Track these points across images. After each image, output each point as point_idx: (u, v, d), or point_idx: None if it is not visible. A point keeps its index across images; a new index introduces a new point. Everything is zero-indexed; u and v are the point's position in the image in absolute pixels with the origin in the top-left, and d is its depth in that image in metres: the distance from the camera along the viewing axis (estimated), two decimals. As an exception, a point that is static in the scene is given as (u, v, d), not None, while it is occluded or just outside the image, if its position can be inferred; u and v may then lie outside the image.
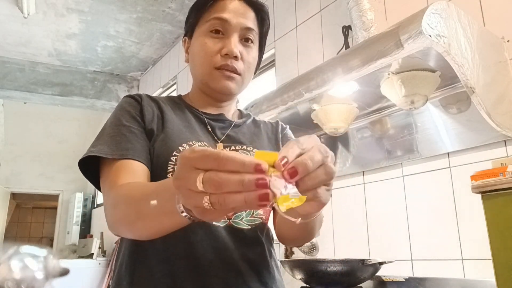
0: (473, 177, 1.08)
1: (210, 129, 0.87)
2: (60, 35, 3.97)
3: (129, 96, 0.86)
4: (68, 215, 6.23)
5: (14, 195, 6.99)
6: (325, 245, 1.97)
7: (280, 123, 1.00)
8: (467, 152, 1.46)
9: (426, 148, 1.58)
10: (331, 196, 0.55)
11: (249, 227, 0.79)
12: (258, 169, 0.42)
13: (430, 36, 1.02)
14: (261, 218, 0.83)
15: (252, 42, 0.87)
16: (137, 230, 0.64)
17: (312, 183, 0.48)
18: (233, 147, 0.86)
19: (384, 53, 1.14)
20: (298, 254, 1.99)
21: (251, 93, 2.96)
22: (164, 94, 4.30)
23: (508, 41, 1.38)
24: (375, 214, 1.78)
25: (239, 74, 0.84)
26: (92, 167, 0.79)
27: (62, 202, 6.57)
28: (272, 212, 0.87)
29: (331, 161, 0.50)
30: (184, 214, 0.50)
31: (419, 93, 1.34)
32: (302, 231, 0.78)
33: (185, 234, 0.72)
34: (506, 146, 1.35)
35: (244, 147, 0.87)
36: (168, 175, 0.75)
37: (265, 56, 2.68)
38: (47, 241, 8.02)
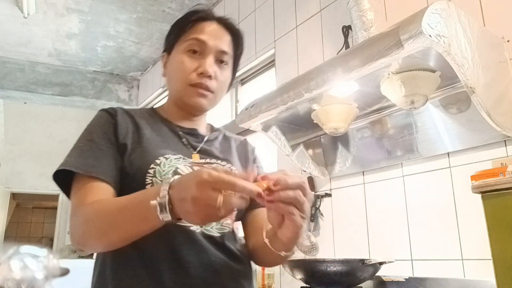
0: (473, 177, 1.08)
1: (185, 142, 0.93)
2: (60, 35, 3.97)
3: (104, 110, 0.90)
4: (68, 215, 6.22)
5: (14, 195, 6.98)
6: (325, 245, 1.97)
7: (248, 142, 1.11)
8: (467, 152, 1.46)
9: (426, 148, 1.58)
10: (306, 223, 0.68)
11: (219, 234, 0.86)
12: (259, 195, 0.60)
13: (430, 36, 1.02)
14: (229, 227, 0.90)
15: (226, 63, 0.94)
16: (109, 240, 0.73)
17: (288, 196, 0.63)
18: (208, 160, 0.92)
19: (384, 53, 1.14)
20: (298, 254, 1.99)
21: (251, 93, 2.96)
22: (164, 94, 4.31)
23: (508, 41, 1.38)
24: (375, 214, 1.78)
25: (212, 92, 0.91)
26: (66, 179, 0.84)
27: (62, 202, 6.56)
28: (243, 231, 0.98)
29: (309, 193, 0.64)
30: (167, 218, 0.62)
31: (419, 93, 1.34)
32: (281, 259, 0.84)
33: (167, 238, 0.78)
34: (506, 146, 1.35)
35: (219, 161, 0.94)
36: (146, 187, 0.80)
37: (265, 56, 2.68)
38: (47, 241, 8.02)
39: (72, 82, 4.63)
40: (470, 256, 1.41)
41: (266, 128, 1.84)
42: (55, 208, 6.71)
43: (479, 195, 0.95)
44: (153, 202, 0.62)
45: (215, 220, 0.72)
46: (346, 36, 1.86)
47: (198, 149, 0.93)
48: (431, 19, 1.04)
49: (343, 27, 1.87)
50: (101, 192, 0.78)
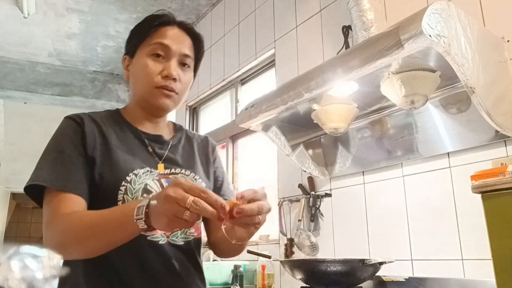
0: (473, 177, 1.08)
1: (150, 150, 0.99)
2: (60, 35, 3.97)
3: (71, 118, 0.93)
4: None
5: (14, 195, 6.98)
6: (325, 245, 1.97)
7: (209, 140, 1.16)
8: (467, 152, 1.46)
9: (426, 148, 1.58)
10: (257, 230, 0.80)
11: (183, 243, 0.96)
12: (222, 207, 0.70)
13: (430, 36, 1.02)
14: (193, 235, 0.99)
15: (188, 66, 1.00)
16: (88, 248, 0.79)
17: (248, 222, 0.75)
18: (173, 170, 0.98)
19: (384, 53, 1.14)
20: (298, 254, 1.99)
21: (251, 93, 2.96)
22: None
23: (508, 41, 1.38)
24: (375, 214, 1.78)
25: (176, 93, 0.97)
26: (36, 189, 0.87)
27: (62, 202, 6.56)
28: (205, 230, 1.09)
29: (265, 212, 0.75)
30: (142, 226, 0.72)
31: (419, 93, 1.34)
32: (235, 249, 1.02)
33: (137, 250, 0.87)
34: (506, 146, 1.35)
35: (183, 171, 1.00)
36: (118, 203, 0.86)
37: (265, 56, 2.68)
38: (47, 241, 8.01)
39: (72, 82, 4.63)
40: (470, 256, 1.41)
41: (266, 128, 1.84)
42: (55, 208, 6.70)
43: (479, 195, 0.95)
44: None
45: (181, 228, 0.89)
46: (346, 36, 1.86)
47: (163, 158, 0.99)
48: (431, 19, 1.04)
49: (343, 27, 1.87)
50: (75, 204, 0.83)
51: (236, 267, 2.21)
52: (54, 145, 0.89)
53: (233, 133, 2.98)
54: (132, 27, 1.03)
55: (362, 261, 1.38)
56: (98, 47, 4.20)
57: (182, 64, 0.98)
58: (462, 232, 1.44)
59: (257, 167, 2.81)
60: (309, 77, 1.45)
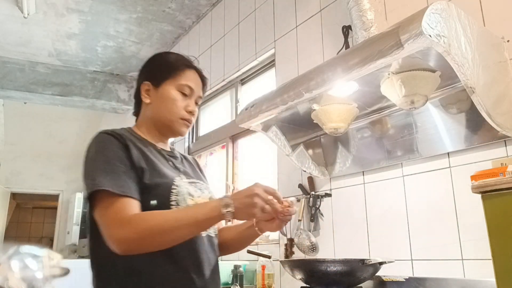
0: (473, 177, 1.08)
1: (171, 164, 1.15)
2: (60, 35, 3.97)
3: (108, 134, 1.04)
4: (68, 215, 6.23)
5: (14, 195, 6.98)
6: (325, 245, 1.97)
7: (196, 160, 1.35)
8: (467, 152, 1.46)
9: (426, 148, 1.58)
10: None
11: (214, 235, 1.16)
12: (284, 206, 1.03)
13: (430, 36, 1.02)
14: (216, 229, 1.19)
15: (198, 104, 1.21)
16: (171, 238, 0.94)
17: (286, 219, 1.08)
18: (192, 180, 1.15)
19: (384, 53, 1.14)
20: (298, 254, 1.99)
21: (251, 93, 2.96)
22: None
23: (508, 41, 1.38)
24: (375, 214, 1.78)
25: (191, 124, 1.19)
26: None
27: (62, 202, 6.56)
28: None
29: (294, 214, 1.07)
30: (229, 217, 0.94)
31: (419, 93, 1.34)
32: (243, 245, 1.26)
33: (189, 243, 1.01)
34: (506, 146, 1.35)
35: (197, 180, 1.18)
36: (171, 203, 1.02)
37: (265, 56, 2.68)
38: (47, 241, 8.02)
39: (72, 82, 4.63)
40: (470, 256, 1.41)
41: (266, 128, 1.84)
42: (55, 208, 6.70)
43: (479, 195, 0.94)
44: (224, 205, 0.95)
45: (258, 218, 1.10)
46: (346, 36, 1.86)
47: (180, 170, 1.16)
48: (431, 19, 1.04)
49: (343, 27, 1.87)
50: (136, 206, 0.96)
51: (236, 267, 2.21)
52: (103, 157, 0.99)
53: (233, 133, 2.98)
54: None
55: (362, 261, 1.38)
56: (98, 47, 4.20)
57: (196, 103, 1.20)
58: (462, 232, 1.44)
59: (257, 167, 2.81)
60: (309, 77, 1.45)
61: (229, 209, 0.94)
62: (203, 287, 1.03)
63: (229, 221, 1.01)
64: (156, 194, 1.00)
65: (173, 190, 1.03)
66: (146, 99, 1.16)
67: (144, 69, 1.21)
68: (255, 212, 0.94)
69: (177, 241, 0.96)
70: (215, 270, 1.10)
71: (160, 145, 1.17)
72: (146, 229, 0.91)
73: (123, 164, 0.99)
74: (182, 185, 1.07)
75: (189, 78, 1.16)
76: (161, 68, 1.17)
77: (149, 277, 0.98)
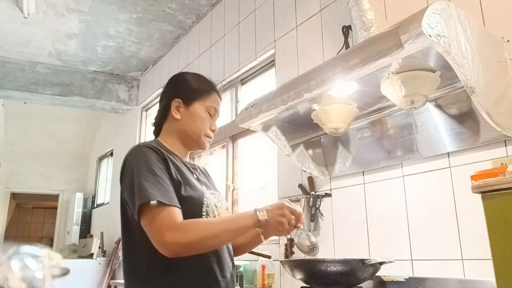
0: (473, 177, 1.08)
1: (196, 177, 1.25)
2: (60, 35, 3.97)
3: (148, 147, 1.15)
4: (68, 215, 6.23)
5: (14, 195, 6.99)
6: (325, 245, 1.97)
7: (205, 169, 1.42)
8: (467, 152, 1.46)
9: (426, 148, 1.58)
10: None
11: (231, 244, 1.27)
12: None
13: (430, 36, 1.02)
14: None
15: None
16: (220, 241, 1.10)
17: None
18: (212, 191, 1.26)
19: (384, 53, 1.14)
20: (298, 254, 1.99)
21: (251, 93, 2.96)
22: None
23: (508, 41, 1.38)
24: (375, 214, 1.78)
25: (211, 140, 1.32)
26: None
27: (62, 202, 6.56)
28: None
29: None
30: (262, 225, 1.09)
31: (419, 93, 1.34)
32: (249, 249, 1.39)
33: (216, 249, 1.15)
34: (506, 146, 1.35)
35: (215, 191, 1.29)
36: (202, 213, 1.14)
37: (265, 56, 2.68)
38: (47, 241, 8.02)
39: (72, 82, 4.63)
40: (470, 256, 1.41)
41: (266, 128, 1.84)
42: (55, 208, 6.71)
43: (479, 195, 0.95)
44: (261, 216, 1.08)
45: (281, 235, 1.18)
46: (346, 36, 1.86)
47: (203, 182, 1.27)
48: (431, 19, 1.04)
49: (343, 27, 1.87)
50: (180, 215, 1.06)
51: (236, 267, 2.21)
52: (148, 170, 1.09)
53: (233, 133, 2.98)
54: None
55: (362, 261, 1.38)
56: (98, 47, 4.20)
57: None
58: (462, 232, 1.44)
59: (257, 167, 2.81)
60: (309, 77, 1.45)
61: (264, 222, 1.08)
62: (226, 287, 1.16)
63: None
64: (190, 205, 1.12)
65: (205, 202, 1.17)
66: (176, 115, 1.26)
67: (175, 86, 1.31)
68: (281, 230, 1.10)
69: (218, 247, 1.12)
70: (233, 274, 1.21)
71: (183, 158, 1.28)
72: (195, 235, 1.03)
73: (165, 176, 1.11)
74: (209, 197, 1.20)
75: (214, 101, 1.30)
76: (192, 89, 1.28)
77: (186, 277, 1.10)
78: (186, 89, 1.28)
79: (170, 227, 1.01)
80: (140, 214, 1.05)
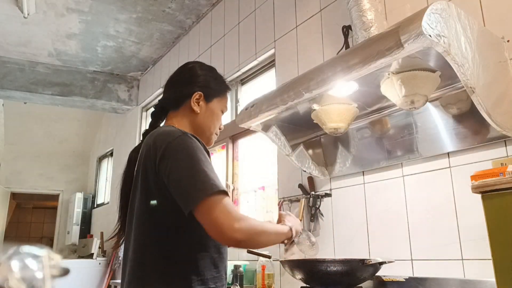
0: (473, 177, 1.08)
1: None
2: (60, 35, 3.98)
3: (195, 137, 1.10)
4: (68, 215, 6.23)
5: (14, 195, 6.99)
6: (325, 245, 1.97)
7: None
8: (467, 152, 1.46)
9: (426, 148, 1.58)
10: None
11: None
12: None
13: (430, 36, 1.02)
14: None
15: None
16: (263, 244, 1.12)
17: None
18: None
19: (384, 53, 1.14)
20: (298, 254, 1.99)
21: (251, 93, 2.96)
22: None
23: (508, 41, 1.38)
24: (375, 214, 1.78)
25: None
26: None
27: (62, 202, 6.56)
28: None
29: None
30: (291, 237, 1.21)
31: (419, 93, 1.34)
32: None
33: (226, 249, 1.19)
34: (506, 146, 1.35)
35: None
36: None
37: (265, 56, 2.68)
38: (47, 241, 8.02)
39: (72, 82, 4.63)
40: (470, 256, 1.41)
41: (266, 128, 1.84)
42: (55, 208, 6.71)
43: (479, 195, 0.95)
44: (294, 236, 1.22)
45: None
46: (346, 36, 1.86)
47: None
48: (431, 19, 1.04)
49: (343, 27, 1.87)
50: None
51: (236, 267, 2.21)
52: (203, 158, 1.06)
53: (233, 133, 2.98)
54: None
55: (362, 261, 1.38)
56: (98, 47, 4.20)
57: None
58: (462, 232, 1.44)
59: (257, 167, 2.81)
60: (309, 77, 1.45)
61: (294, 234, 1.21)
62: (225, 284, 1.20)
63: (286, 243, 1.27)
64: None
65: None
66: (195, 107, 1.24)
67: (197, 78, 1.27)
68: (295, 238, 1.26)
69: (265, 246, 1.14)
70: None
71: None
72: (258, 229, 1.07)
73: (213, 166, 1.10)
74: None
75: (227, 102, 1.35)
76: (215, 87, 1.29)
77: (217, 276, 1.13)
78: (210, 84, 1.27)
79: (237, 217, 1.01)
80: (201, 201, 0.99)
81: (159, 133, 1.10)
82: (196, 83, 1.25)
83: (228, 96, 1.34)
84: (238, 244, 1.02)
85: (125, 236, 1.15)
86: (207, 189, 0.99)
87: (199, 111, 1.23)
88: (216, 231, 0.99)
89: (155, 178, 1.04)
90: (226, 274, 1.17)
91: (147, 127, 1.25)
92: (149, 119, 1.32)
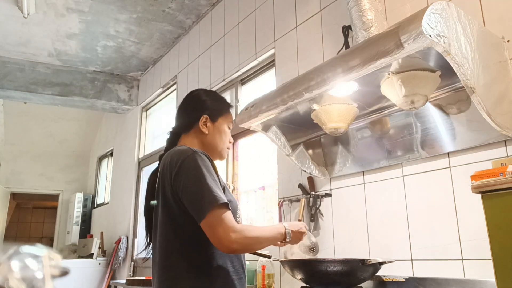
0: (473, 177, 1.08)
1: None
2: (60, 35, 3.98)
3: (205, 154, 1.26)
4: (68, 215, 6.23)
5: (14, 195, 6.98)
6: (325, 245, 1.97)
7: None
8: (467, 152, 1.46)
9: (426, 148, 1.58)
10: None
11: None
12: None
13: (430, 36, 1.02)
14: None
15: None
16: (258, 248, 1.26)
17: None
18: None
19: (384, 53, 1.14)
20: (298, 254, 1.99)
21: (251, 93, 2.96)
22: (164, 94, 4.31)
23: (508, 41, 1.38)
24: (375, 214, 1.78)
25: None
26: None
27: (62, 202, 6.56)
28: None
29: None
30: (286, 239, 1.31)
31: (419, 93, 1.34)
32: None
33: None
34: (506, 146, 1.35)
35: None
36: (237, 217, 1.30)
37: (265, 56, 2.68)
38: (47, 241, 8.02)
39: (72, 82, 4.63)
40: (470, 256, 1.41)
41: (266, 128, 1.84)
42: (55, 208, 6.70)
43: (479, 195, 0.95)
44: (288, 237, 1.30)
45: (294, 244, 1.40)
46: (346, 36, 1.86)
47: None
48: (431, 19, 1.04)
49: (343, 27, 1.87)
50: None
51: (236, 267, 2.21)
52: (208, 174, 1.21)
53: (233, 133, 2.97)
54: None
55: (362, 261, 1.38)
56: (98, 47, 4.20)
57: None
58: (462, 232, 1.44)
59: (257, 167, 2.81)
60: (309, 77, 1.45)
61: (288, 242, 1.32)
62: (245, 283, 1.33)
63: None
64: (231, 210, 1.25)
65: (238, 207, 1.35)
66: (204, 129, 1.41)
67: (201, 103, 1.44)
68: (297, 242, 1.36)
69: (261, 249, 1.29)
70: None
71: None
72: (251, 238, 1.20)
73: (218, 182, 1.23)
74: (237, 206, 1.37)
75: (231, 117, 1.50)
76: (218, 108, 1.45)
77: (233, 270, 1.28)
78: (213, 107, 1.44)
79: (233, 229, 1.16)
80: (207, 214, 1.15)
81: (174, 152, 1.27)
82: (202, 107, 1.42)
83: (231, 112, 1.49)
84: (235, 251, 1.22)
85: (152, 243, 1.35)
86: (210, 204, 1.15)
87: (207, 132, 1.40)
88: (216, 242, 1.15)
89: (172, 193, 1.22)
90: (243, 268, 1.32)
91: (163, 151, 1.41)
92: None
